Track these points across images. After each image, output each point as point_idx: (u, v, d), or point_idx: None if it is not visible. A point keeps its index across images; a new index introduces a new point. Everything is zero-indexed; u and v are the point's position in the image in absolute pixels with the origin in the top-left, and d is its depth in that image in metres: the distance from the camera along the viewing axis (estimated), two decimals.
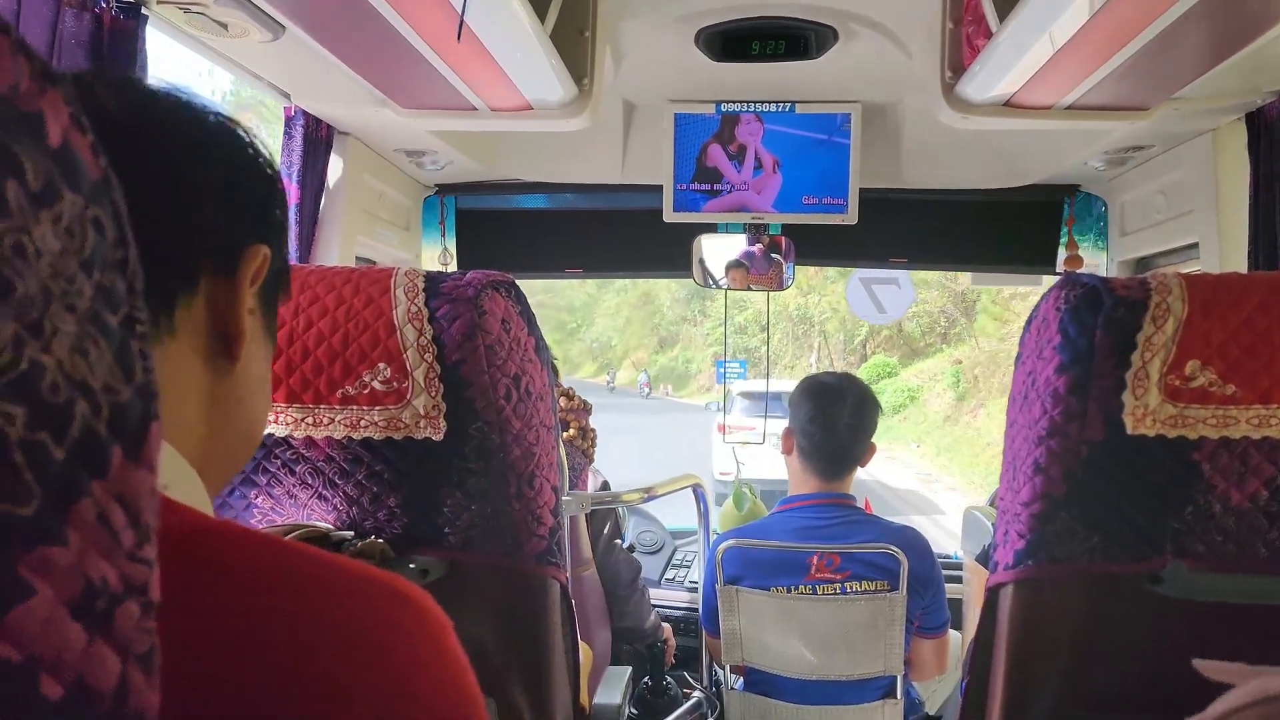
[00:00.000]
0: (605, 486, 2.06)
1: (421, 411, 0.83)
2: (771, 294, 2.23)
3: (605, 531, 2.01)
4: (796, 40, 1.60)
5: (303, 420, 0.83)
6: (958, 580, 2.05)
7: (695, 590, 2.28)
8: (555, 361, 2.22)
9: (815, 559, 1.63)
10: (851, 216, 1.92)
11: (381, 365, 0.82)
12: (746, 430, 8.76)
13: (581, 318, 35.79)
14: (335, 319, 0.82)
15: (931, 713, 2.02)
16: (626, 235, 2.26)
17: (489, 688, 0.41)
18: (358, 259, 1.81)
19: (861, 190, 1.92)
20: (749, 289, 2.13)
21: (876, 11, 1.50)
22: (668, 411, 22.58)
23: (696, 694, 1.87)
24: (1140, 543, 0.84)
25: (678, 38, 1.61)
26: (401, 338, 0.82)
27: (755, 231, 2.06)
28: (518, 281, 0.88)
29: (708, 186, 1.96)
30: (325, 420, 0.83)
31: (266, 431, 0.81)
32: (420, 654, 0.40)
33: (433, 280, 0.83)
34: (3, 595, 0.19)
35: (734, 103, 1.91)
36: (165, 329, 0.47)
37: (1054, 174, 1.97)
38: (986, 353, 17.96)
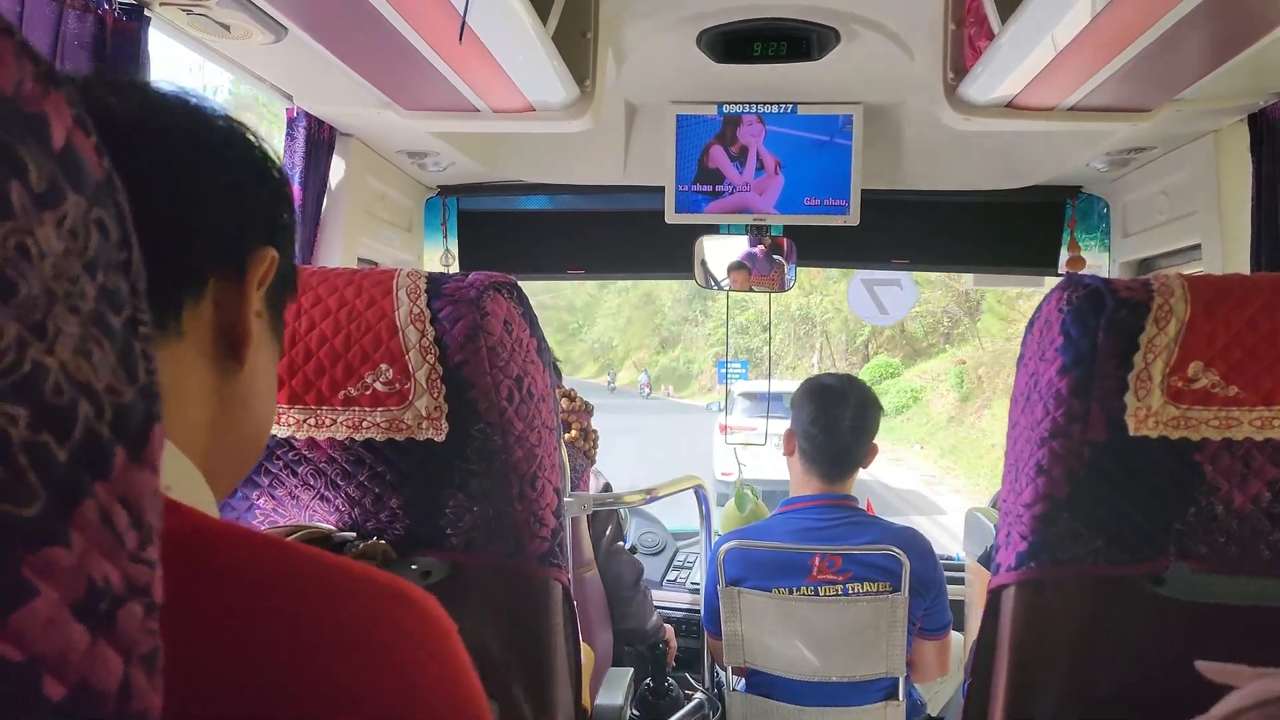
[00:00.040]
0: (607, 488, 2.06)
1: (424, 413, 0.83)
2: (773, 294, 2.23)
3: (607, 533, 2.01)
4: (798, 41, 1.60)
5: (305, 421, 0.84)
6: (960, 582, 2.05)
7: (697, 592, 2.28)
8: (559, 364, 2.23)
9: (817, 560, 1.63)
10: (853, 218, 1.92)
11: (384, 366, 0.82)
12: (748, 431, 8.76)
13: (583, 318, 35.78)
14: (338, 320, 0.82)
15: (934, 714, 2.02)
16: (628, 236, 2.26)
17: (491, 689, 0.41)
18: (360, 260, 1.82)
19: (863, 191, 1.92)
20: (751, 290, 2.13)
21: (878, 13, 1.50)
22: (668, 412, 22.53)
23: (698, 695, 1.87)
24: (1143, 544, 0.84)
25: (679, 39, 1.61)
26: (404, 339, 0.82)
27: (757, 233, 2.07)
28: (519, 283, 0.88)
29: (709, 188, 1.96)
30: (327, 421, 0.83)
31: None
32: (423, 656, 0.40)
33: (435, 281, 0.83)
34: (6, 596, 0.19)
35: (736, 104, 1.91)
36: (172, 332, 0.47)
37: (1056, 175, 1.97)
38: (990, 353, 17.85)
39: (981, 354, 18.37)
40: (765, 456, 3.14)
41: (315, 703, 0.35)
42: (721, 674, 1.82)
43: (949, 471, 14.44)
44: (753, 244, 2.08)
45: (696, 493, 2.05)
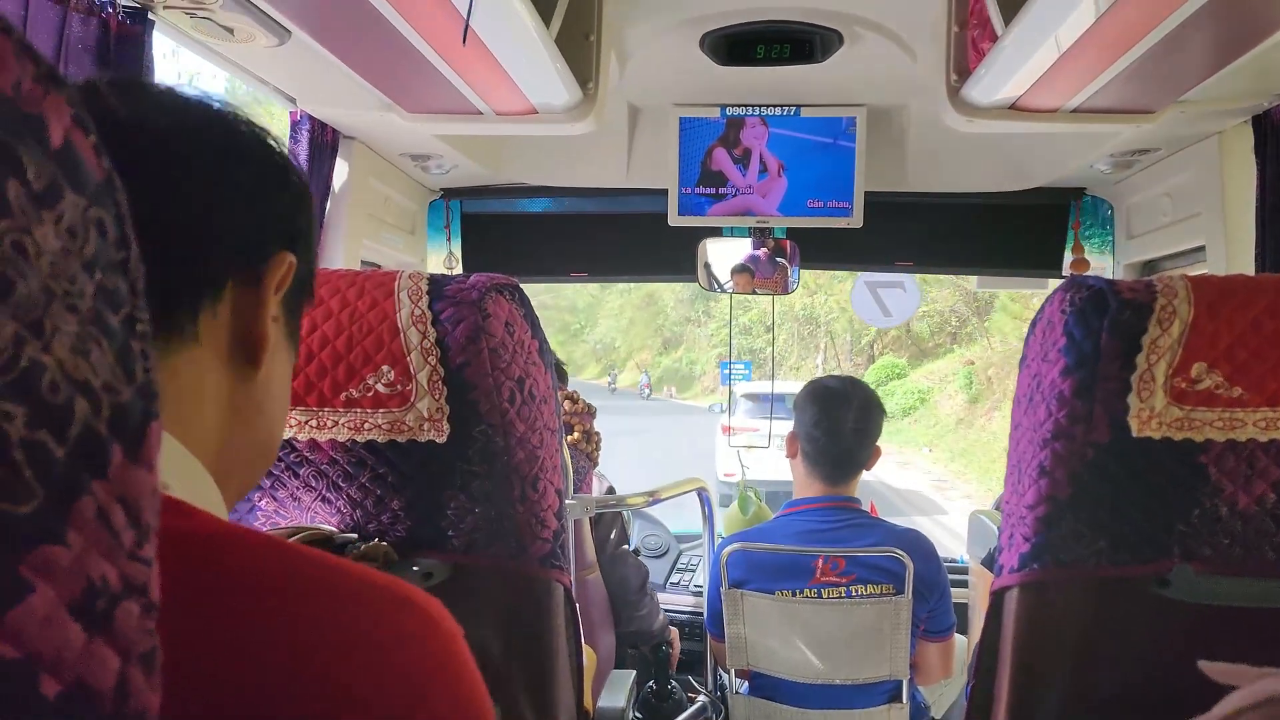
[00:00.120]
0: (610, 491, 2.06)
1: (425, 414, 0.83)
2: (776, 296, 2.23)
3: (612, 537, 2.01)
4: (801, 44, 1.61)
5: (307, 423, 0.84)
6: (963, 584, 2.04)
7: (700, 594, 2.28)
8: (565, 367, 2.23)
9: (820, 562, 1.63)
10: (857, 220, 1.92)
11: (385, 368, 0.82)
12: (750, 432, 8.76)
13: (585, 319, 35.78)
14: (340, 322, 0.82)
15: (937, 717, 2.02)
16: (631, 239, 2.26)
17: (492, 691, 0.41)
18: (363, 263, 1.82)
19: (867, 194, 1.92)
20: (754, 293, 2.13)
21: (881, 15, 1.50)
22: (670, 413, 22.47)
23: (701, 698, 1.87)
24: (1146, 546, 0.84)
25: (682, 41, 1.61)
26: (405, 340, 0.82)
27: (760, 235, 2.07)
28: (521, 284, 0.88)
29: (712, 190, 1.96)
30: (329, 423, 0.83)
31: None
32: (425, 658, 0.40)
33: (437, 283, 0.83)
34: (3, 594, 0.19)
35: (739, 106, 1.91)
36: (190, 336, 0.47)
37: (1060, 177, 1.97)
38: (1001, 353, 17.69)
39: (991, 354, 18.23)
40: (768, 457, 3.14)
41: (315, 703, 0.35)
42: (724, 676, 1.82)
43: (960, 476, 14.26)
44: (756, 246, 2.08)
45: (700, 495, 2.05)
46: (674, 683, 1.91)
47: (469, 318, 0.81)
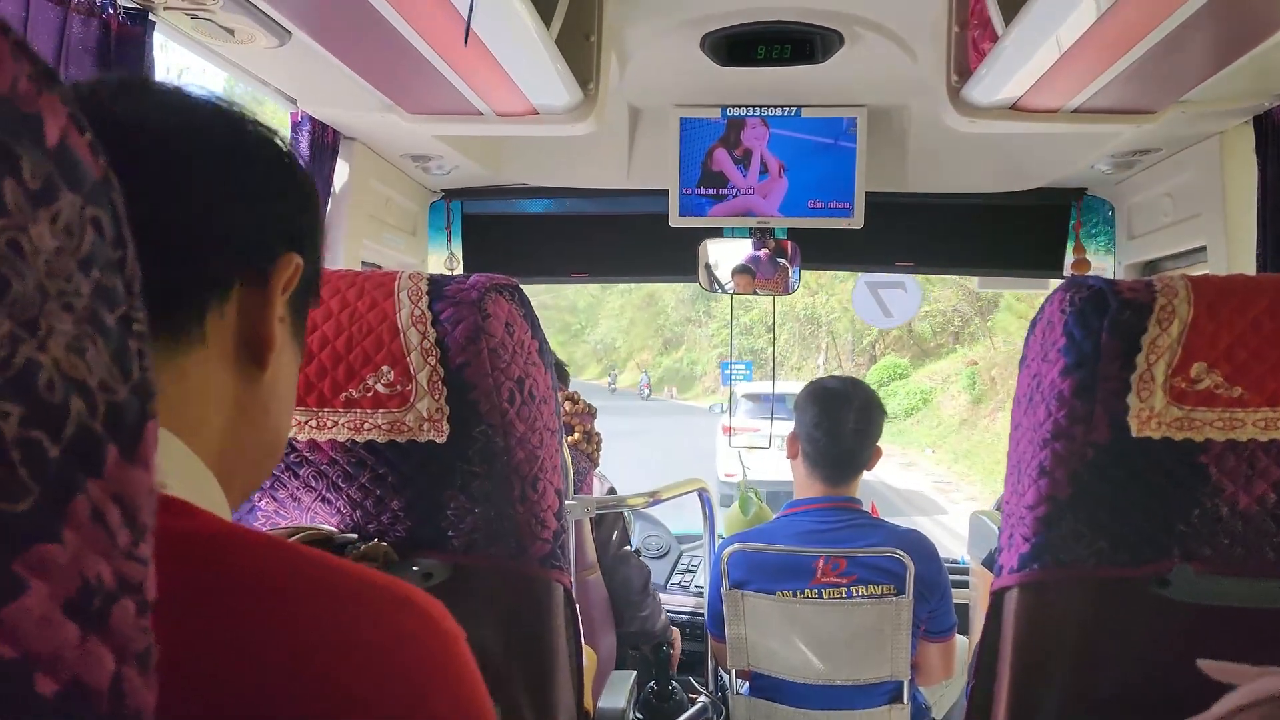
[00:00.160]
0: (612, 492, 2.06)
1: (425, 414, 0.83)
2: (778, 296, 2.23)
3: (615, 539, 2.01)
4: (802, 44, 1.60)
5: (307, 423, 0.84)
6: (964, 585, 2.04)
7: (701, 595, 2.28)
8: (565, 366, 2.23)
9: (821, 563, 1.63)
10: (857, 220, 1.92)
11: (385, 368, 0.82)
12: (751, 432, 8.76)
13: (585, 319, 35.77)
14: (339, 322, 0.82)
15: (938, 718, 2.01)
16: (632, 239, 2.26)
17: (491, 691, 0.41)
18: (364, 264, 1.82)
19: (867, 194, 1.92)
20: (755, 294, 2.13)
21: (882, 15, 1.50)
22: (670, 414, 22.41)
23: (702, 699, 1.87)
24: (1146, 546, 0.84)
25: (683, 42, 1.61)
26: (405, 341, 0.82)
27: (761, 236, 2.06)
28: (522, 285, 0.88)
29: (713, 191, 1.96)
30: (329, 423, 0.83)
31: None
32: (426, 659, 0.40)
33: (436, 283, 0.83)
34: None
35: (739, 107, 1.91)
36: (196, 337, 0.47)
37: (1061, 177, 1.97)
38: (1004, 353, 17.54)
39: (994, 354, 18.11)
40: (769, 457, 3.14)
41: (315, 703, 0.36)
42: (725, 677, 1.82)
43: (964, 477, 14.12)
44: (757, 247, 2.08)
45: (700, 496, 2.05)
46: (675, 683, 1.91)
47: (469, 318, 0.81)
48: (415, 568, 0.85)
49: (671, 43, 1.61)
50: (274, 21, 1.15)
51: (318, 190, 0.57)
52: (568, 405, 1.99)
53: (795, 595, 1.63)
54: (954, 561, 2.39)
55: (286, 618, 0.37)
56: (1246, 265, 1.49)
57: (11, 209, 0.20)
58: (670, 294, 30.25)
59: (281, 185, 0.52)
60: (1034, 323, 0.89)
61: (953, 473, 14.61)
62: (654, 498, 1.86)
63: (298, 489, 0.89)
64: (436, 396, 0.83)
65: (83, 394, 0.22)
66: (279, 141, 0.53)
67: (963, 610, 1.81)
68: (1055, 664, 0.86)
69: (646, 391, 27.92)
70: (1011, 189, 2.03)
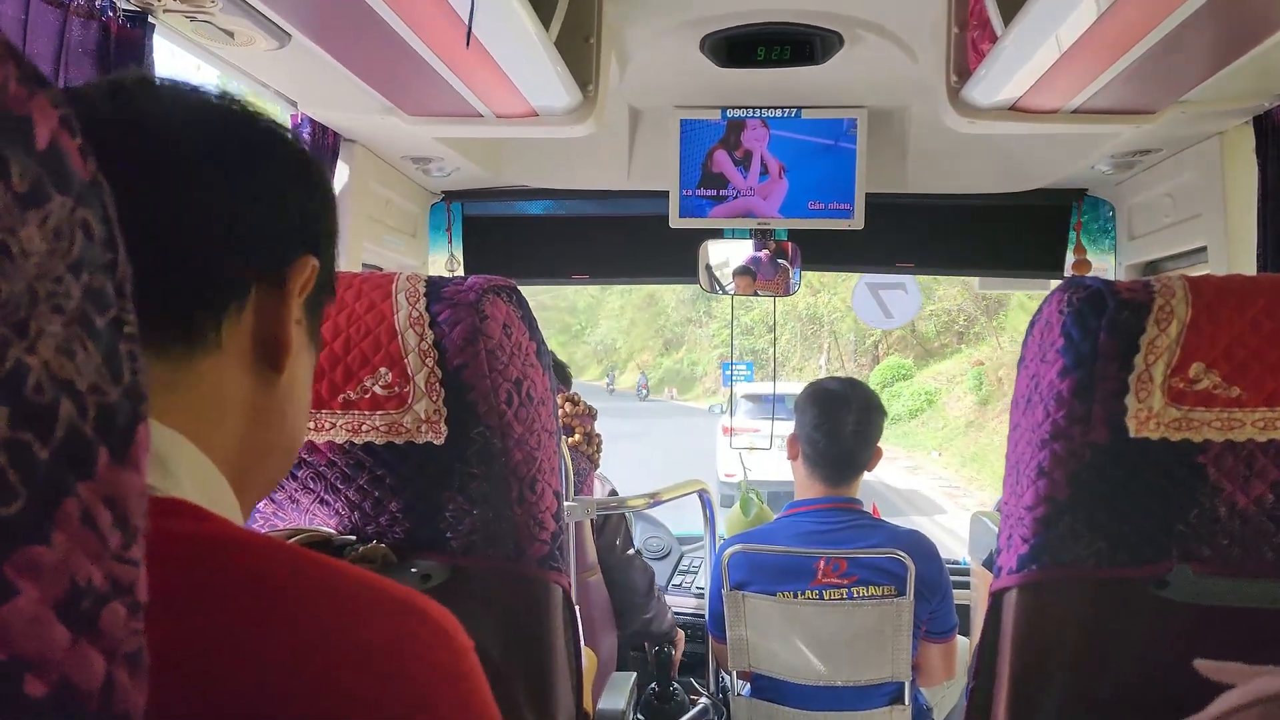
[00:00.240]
0: (613, 494, 2.06)
1: (423, 416, 0.83)
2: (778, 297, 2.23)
3: (618, 541, 2.01)
4: (802, 46, 1.60)
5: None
6: (965, 586, 2.04)
7: (702, 596, 2.28)
8: (569, 370, 2.23)
9: (822, 564, 1.63)
10: (858, 221, 1.92)
11: (383, 370, 0.82)
12: (751, 432, 8.76)
13: (585, 320, 35.72)
14: (337, 324, 0.82)
15: (939, 719, 2.01)
16: (632, 241, 2.26)
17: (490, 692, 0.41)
18: (364, 266, 1.82)
19: (868, 195, 1.92)
20: (755, 294, 2.13)
21: (882, 16, 1.50)
22: (670, 415, 22.31)
23: (703, 700, 1.87)
24: (1145, 546, 0.84)
25: (683, 43, 1.61)
26: (403, 342, 0.82)
27: (761, 237, 2.06)
28: (523, 286, 0.88)
29: (714, 192, 1.96)
30: (327, 425, 0.83)
31: None
32: (426, 661, 0.40)
33: (434, 285, 0.83)
34: None
35: (740, 108, 1.91)
36: (213, 342, 0.46)
37: (1061, 178, 1.97)
38: (1011, 353, 17.26)
39: (1001, 354, 17.87)
40: (769, 457, 3.14)
41: (315, 702, 0.36)
42: (726, 678, 1.82)
43: (972, 482, 13.84)
44: (757, 248, 2.08)
45: (701, 497, 2.05)
46: (676, 685, 1.91)
47: (466, 319, 0.82)
48: (413, 569, 0.85)
49: (671, 44, 1.61)
50: (274, 24, 1.16)
51: (332, 189, 0.57)
52: (568, 407, 1.99)
53: (796, 596, 1.63)
54: (955, 562, 2.38)
55: (287, 618, 0.37)
56: (1247, 266, 1.48)
57: (0, 211, 0.20)
58: (670, 294, 30.20)
59: (296, 185, 0.52)
60: (1032, 323, 0.89)
61: (961, 476, 14.37)
62: (654, 499, 1.86)
63: (296, 491, 0.89)
64: (434, 398, 0.83)
65: (72, 396, 0.22)
66: (295, 141, 0.53)
67: (963, 611, 1.81)
68: (1054, 665, 0.86)
69: (644, 392, 27.88)
70: (1012, 189, 2.03)
